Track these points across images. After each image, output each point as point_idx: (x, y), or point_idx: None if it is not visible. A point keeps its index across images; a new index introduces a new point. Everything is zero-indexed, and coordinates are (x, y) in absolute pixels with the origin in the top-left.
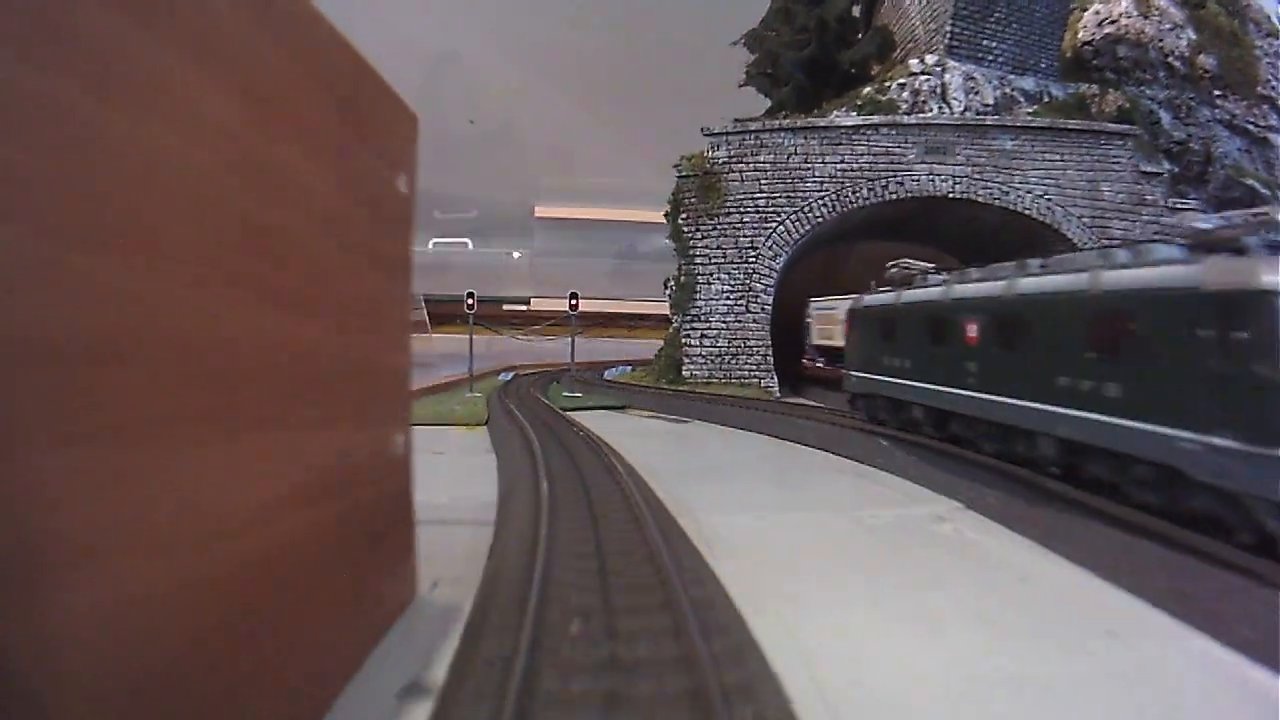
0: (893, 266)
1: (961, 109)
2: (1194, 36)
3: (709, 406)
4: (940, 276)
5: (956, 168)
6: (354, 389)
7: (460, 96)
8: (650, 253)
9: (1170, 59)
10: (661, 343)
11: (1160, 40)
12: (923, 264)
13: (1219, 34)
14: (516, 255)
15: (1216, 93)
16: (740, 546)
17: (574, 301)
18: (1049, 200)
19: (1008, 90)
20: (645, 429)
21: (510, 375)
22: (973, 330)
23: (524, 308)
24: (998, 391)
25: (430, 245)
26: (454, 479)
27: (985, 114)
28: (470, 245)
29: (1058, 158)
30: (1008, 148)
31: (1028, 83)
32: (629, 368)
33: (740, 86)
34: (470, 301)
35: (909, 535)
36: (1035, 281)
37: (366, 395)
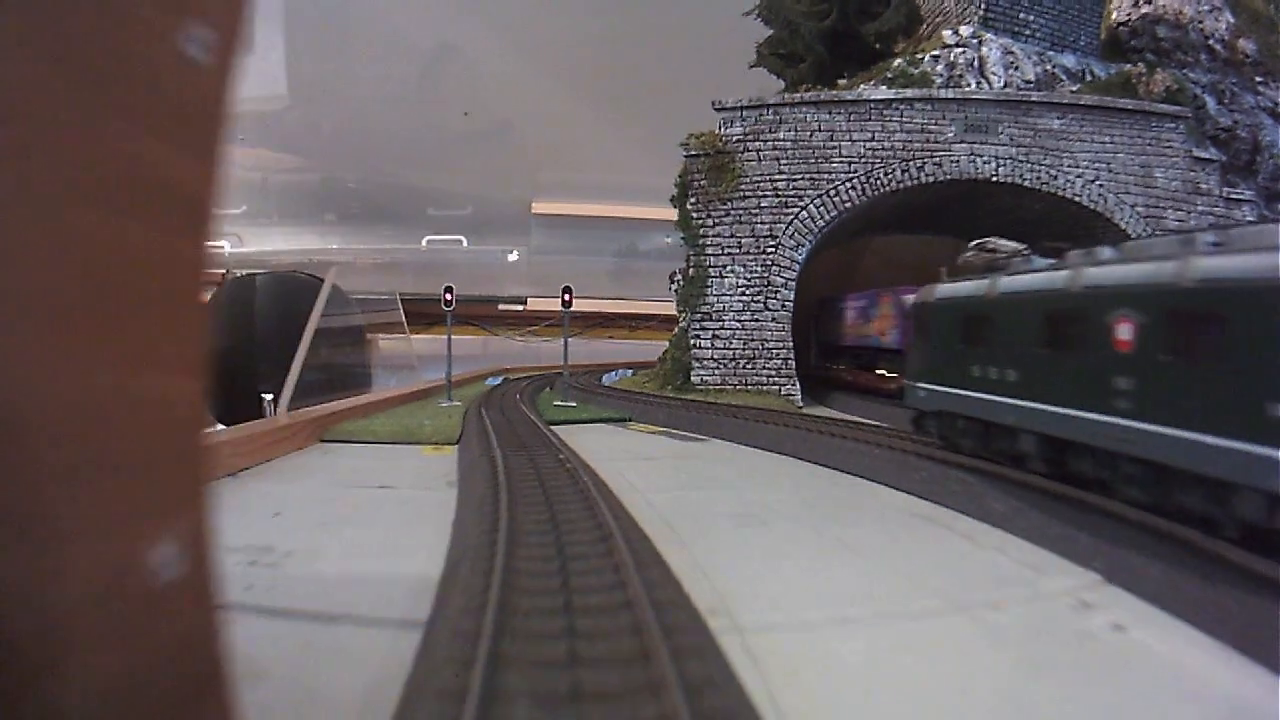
0: (972, 249)
1: (1001, 84)
2: (1232, 20)
3: (726, 420)
4: (1047, 260)
5: (999, 148)
6: (50, 453)
7: (456, 89)
8: (652, 251)
9: (1211, 41)
10: (665, 344)
11: (1200, 22)
12: (1014, 244)
13: (1257, 18)
14: (513, 254)
15: (1258, 79)
16: (832, 705)
17: (567, 298)
18: (1100, 186)
19: (1048, 67)
20: (651, 451)
21: (500, 379)
22: (1125, 332)
23: (520, 308)
24: (1174, 422)
25: (424, 243)
26: (388, 534)
27: (1027, 91)
28: (465, 243)
29: (1108, 140)
30: (1054, 127)
31: (1069, 60)
32: (630, 371)
33: (751, 67)
34: (448, 298)
35: (1055, 643)
36: (1228, 264)
37: (88, 465)
